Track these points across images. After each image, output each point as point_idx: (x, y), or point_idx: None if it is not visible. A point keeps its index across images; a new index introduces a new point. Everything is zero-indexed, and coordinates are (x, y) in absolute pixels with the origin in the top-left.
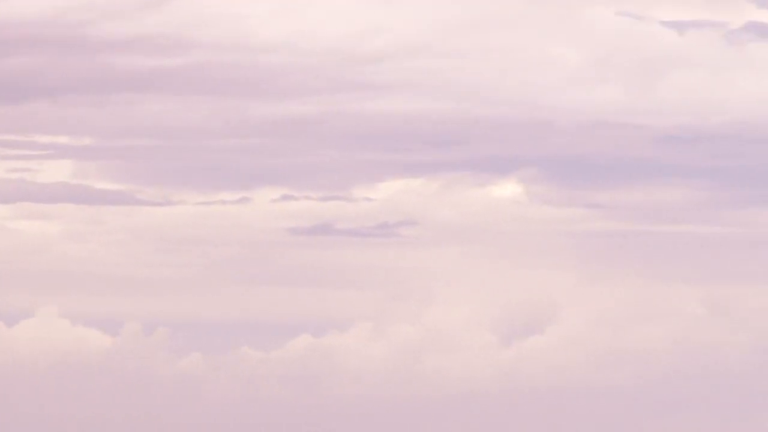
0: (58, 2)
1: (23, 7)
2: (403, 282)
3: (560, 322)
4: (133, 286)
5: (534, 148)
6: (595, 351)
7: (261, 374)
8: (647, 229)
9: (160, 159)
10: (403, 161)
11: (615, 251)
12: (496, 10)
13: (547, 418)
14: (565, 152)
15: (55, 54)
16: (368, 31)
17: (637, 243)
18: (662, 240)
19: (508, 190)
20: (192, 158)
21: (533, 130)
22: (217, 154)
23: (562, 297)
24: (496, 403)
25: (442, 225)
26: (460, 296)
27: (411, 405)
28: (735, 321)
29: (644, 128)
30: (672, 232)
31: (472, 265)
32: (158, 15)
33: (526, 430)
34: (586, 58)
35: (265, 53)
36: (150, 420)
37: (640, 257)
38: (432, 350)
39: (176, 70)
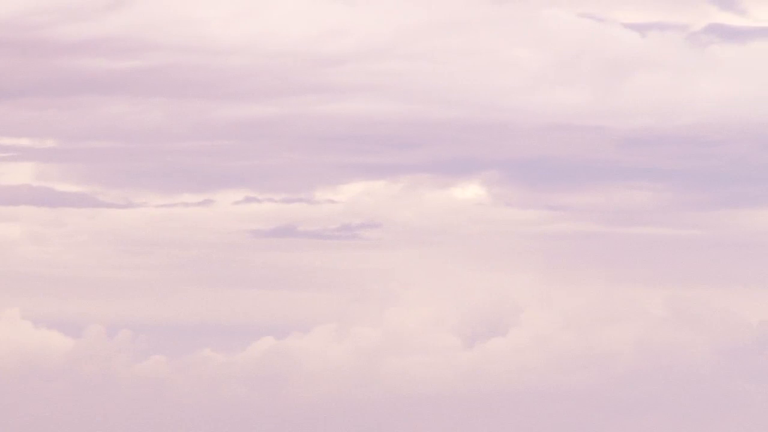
0: (19, 5)
1: None
2: (366, 284)
3: (522, 324)
4: (96, 289)
5: (496, 151)
6: (558, 353)
7: (224, 376)
8: (610, 230)
9: (122, 161)
10: (365, 163)
11: (577, 253)
12: (457, 13)
13: (509, 419)
14: (527, 154)
15: (17, 56)
16: (330, 33)
17: (600, 245)
18: (625, 242)
19: (470, 192)
20: (154, 160)
21: (495, 133)
22: (179, 157)
23: (525, 299)
24: (459, 404)
25: (405, 227)
26: (422, 298)
27: (373, 406)
28: (697, 322)
29: (607, 130)
30: (634, 233)
31: (435, 266)
32: (120, 17)
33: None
34: (549, 60)
35: (227, 56)
36: (113, 422)
37: (603, 259)
38: (394, 352)
39: (138, 73)
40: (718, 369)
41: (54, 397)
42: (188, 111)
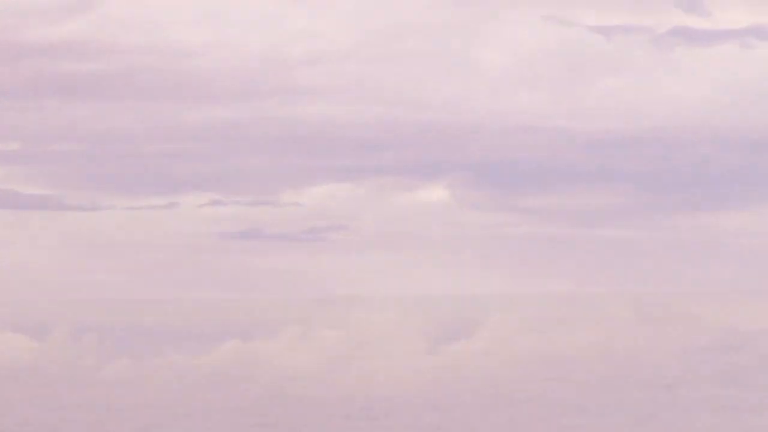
0: None
1: None
2: (332, 286)
3: (487, 326)
4: (61, 292)
5: (461, 153)
6: (523, 355)
7: (189, 379)
8: (575, 233)
9: (87, 164)
10: (331, 166)
11: (543, 255)
12: (423, 16)
13: (474, 421)
14: (492, 157)
15: None
16: (296, 36)
17: (565, 247)
18: (590, 244)
19: (435, 194)
20: (120, 163)
21: (460, 135)
22: (145, 159)
23: (490, 301)
24: (424, 406)
25: (371, 229)
26: (387, 301)
27: (339, 408)
28: (659, 325)
29: (571, 133)
30: (599, 236)
31: (400, 269)
32: (87, 20)
33: None
34: (514, 63)
35: (193, 58)
36: (77, 424)
37: (568, 261)
38: (360, 354)
39: (104, 75)
40: (680, 371)
41: (18, 399)
42: (153, 114)
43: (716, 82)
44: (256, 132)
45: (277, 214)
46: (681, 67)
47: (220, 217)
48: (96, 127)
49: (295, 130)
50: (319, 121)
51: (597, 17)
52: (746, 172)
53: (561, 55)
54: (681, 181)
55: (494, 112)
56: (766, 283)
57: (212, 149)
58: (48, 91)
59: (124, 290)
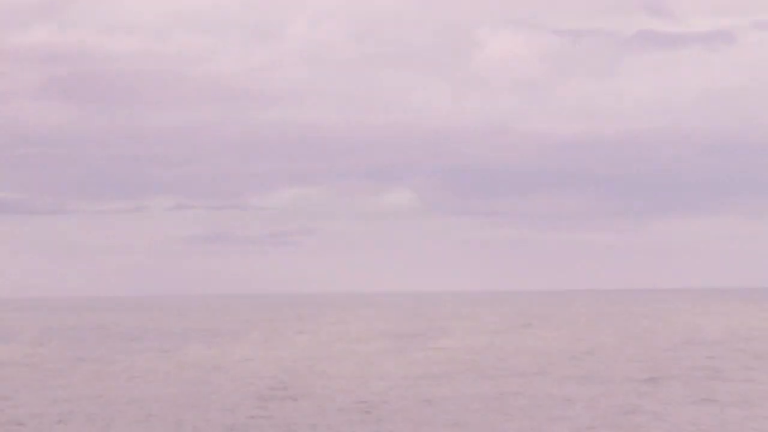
0: None
1: None
2: (298, 289)
3: (455, 330)
4: (28, 294)
5: (429, 156)
6: (491, 358)
7: (155, 382)
8: (543, 235)
9: (54, 167)
10: (297, 169)
11: (509, 258)
12: (390, 19)
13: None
14: (461, 160)
15: None
16: (262, 39)
17: (533, 249)
18: (559, 247)
19: (403, 198)
20: (86, 167)
21: (428, 138)
22: (112, 163)
23: (457, 305)
24: (391, 412)
25: (338, 232)
26: (355, 303)
27: (307, 413)
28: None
29: (539, 136)
30: (568, 239)
31: (367, 272)
32: (52, 23)
33: None
34: (482, 65)
35: (159, 62)
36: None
37: (535, 264)
38: (326, 358)
39: (70, 78)
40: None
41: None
42: (120, 117)
43: (684, 85)
44: (222, 135)
45: (244, 217)
46: (648, 69)
47: (186, 220)
48: (62, 130)
49: (262, 133)
50: (285, 125)
51: (565, 21)
52: (714, 175)
53: (528, 58)
54: (649, 184)
55: (462, 115)
56: (733, 283)
57: (179, 153)
58: (13, 95)
59: (90, 292)
